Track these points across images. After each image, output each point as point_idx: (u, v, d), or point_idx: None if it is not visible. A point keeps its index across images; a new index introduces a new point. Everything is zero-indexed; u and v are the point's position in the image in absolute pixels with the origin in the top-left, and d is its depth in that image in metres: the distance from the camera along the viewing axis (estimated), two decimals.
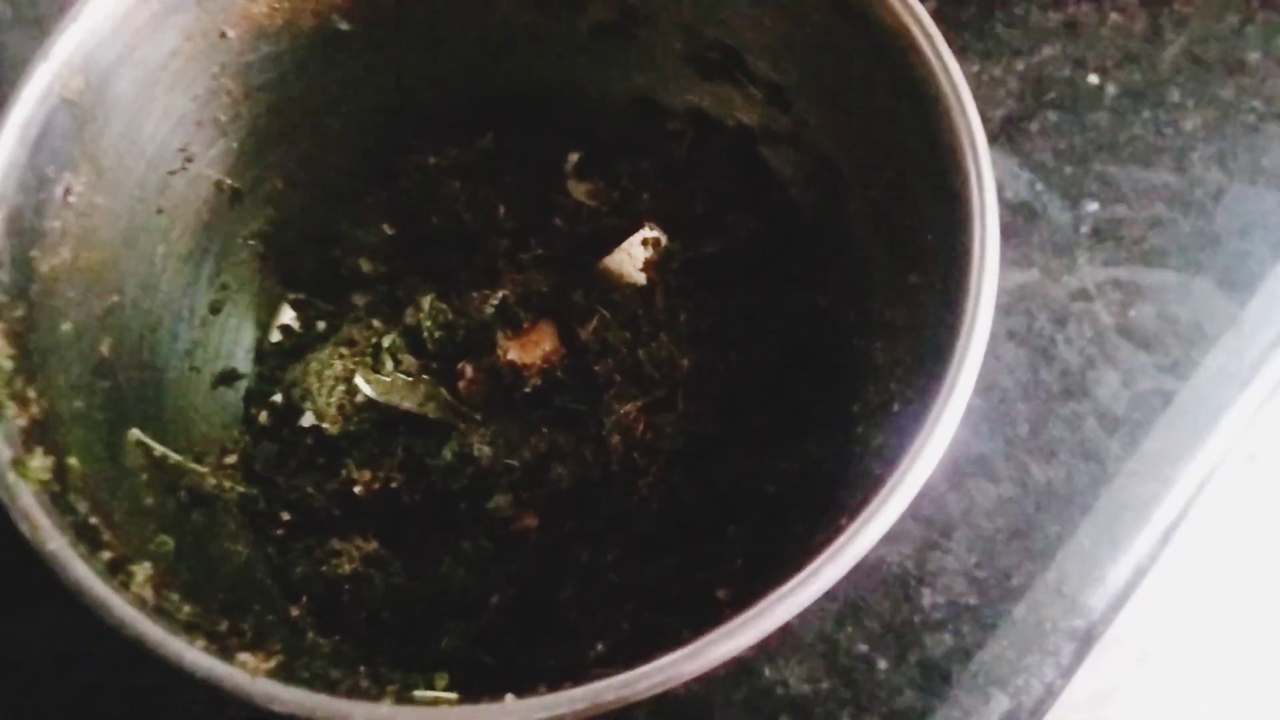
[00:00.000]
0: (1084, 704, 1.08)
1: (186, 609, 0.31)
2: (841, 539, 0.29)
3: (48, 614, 0.50)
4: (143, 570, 0.31)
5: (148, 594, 0.31)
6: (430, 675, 0.34)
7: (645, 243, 0.48)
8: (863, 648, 0.53)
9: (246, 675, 0.28)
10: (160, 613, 0.31)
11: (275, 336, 0.53)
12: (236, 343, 0.51)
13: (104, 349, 0.40)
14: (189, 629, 0.30)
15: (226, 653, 0.30)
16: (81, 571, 0.30)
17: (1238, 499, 1.12)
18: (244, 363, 0.52)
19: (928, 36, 0.35)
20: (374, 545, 0.46)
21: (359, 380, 0.46)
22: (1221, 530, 1.10)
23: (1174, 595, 1.08)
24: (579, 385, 0.46)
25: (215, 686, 0.28)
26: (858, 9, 0.37)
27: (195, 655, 0.29)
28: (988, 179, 0.34)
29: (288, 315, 0.54)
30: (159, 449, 0.40)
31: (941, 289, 0.34)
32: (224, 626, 0.32)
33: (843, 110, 0.42)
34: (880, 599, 0.54)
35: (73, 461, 0.34)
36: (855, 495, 0.33)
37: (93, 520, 0.32)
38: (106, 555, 0.31)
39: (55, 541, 0.30)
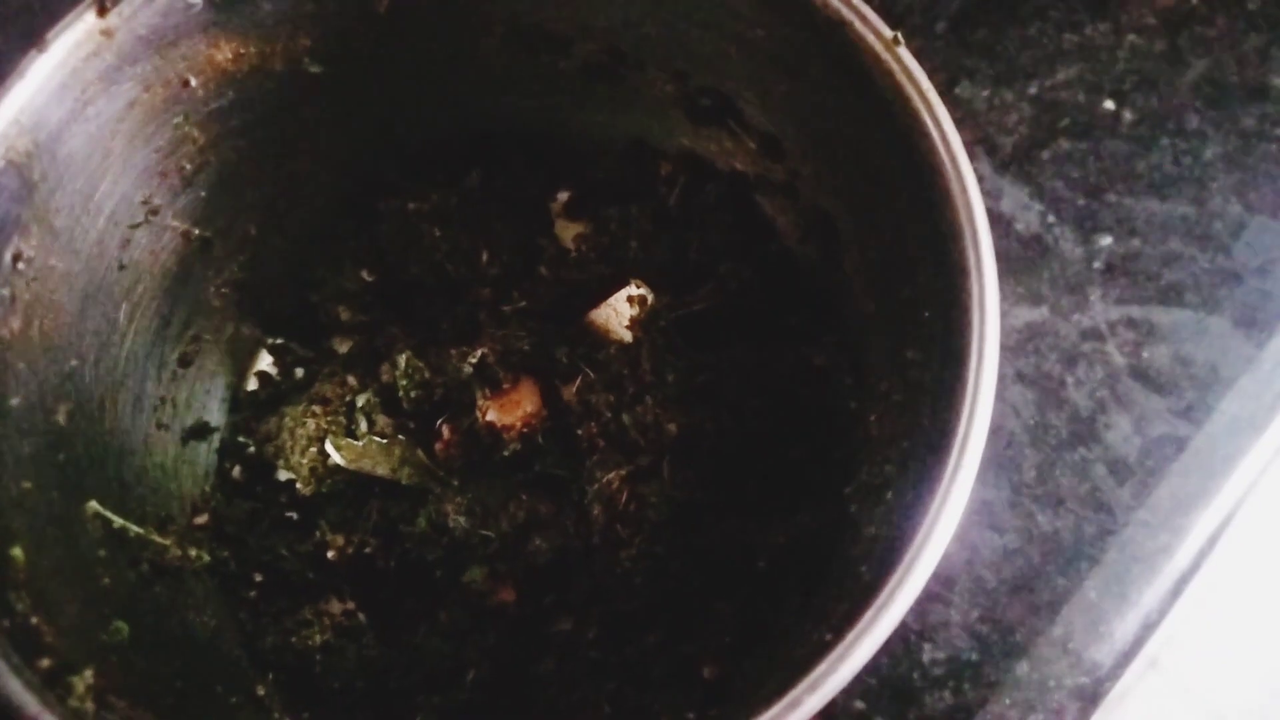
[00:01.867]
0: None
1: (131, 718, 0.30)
2: (823, 665, 0.27)
3: None
4: (84, 680, 0.30)
5: (88, 706, 0.29)
6: None
7: (631, 300, 0.46)
8: (860, 705, 0.52)
9: None
10: None
11: (252, 384, 0.51)
12: (209, 394, 0.49)
13: (60, 418, 0.38)
14: None
15: None
16: (14, 687, 0.28)
17: (1266, 512, 1.10)
18: (217, 415, 0.50)
19: (928, 106, 0.32)
20: (350, 606, 0.45)
21: (329, 447, 0.44)
22: (1242, 541, 1.08)
23: (1186, 600, 1.06)
24: (560, 449, 0.44)
25: None
26: (856, 68, 0.35)
27: None
28: (988, 263, 0.31)
29: (265, 361, 0.52)
30: (119, 521, 0.39)
31: (938, 373, 0.32)
32: None
33: (839, 166, 0.40)
34: (879, 654, 0.52)
35: (16, 553, 0.32)
36: (844, 599, 0.31)
37: (34, 620, 0.31)
38: (45, 663, 0.30)
39: None
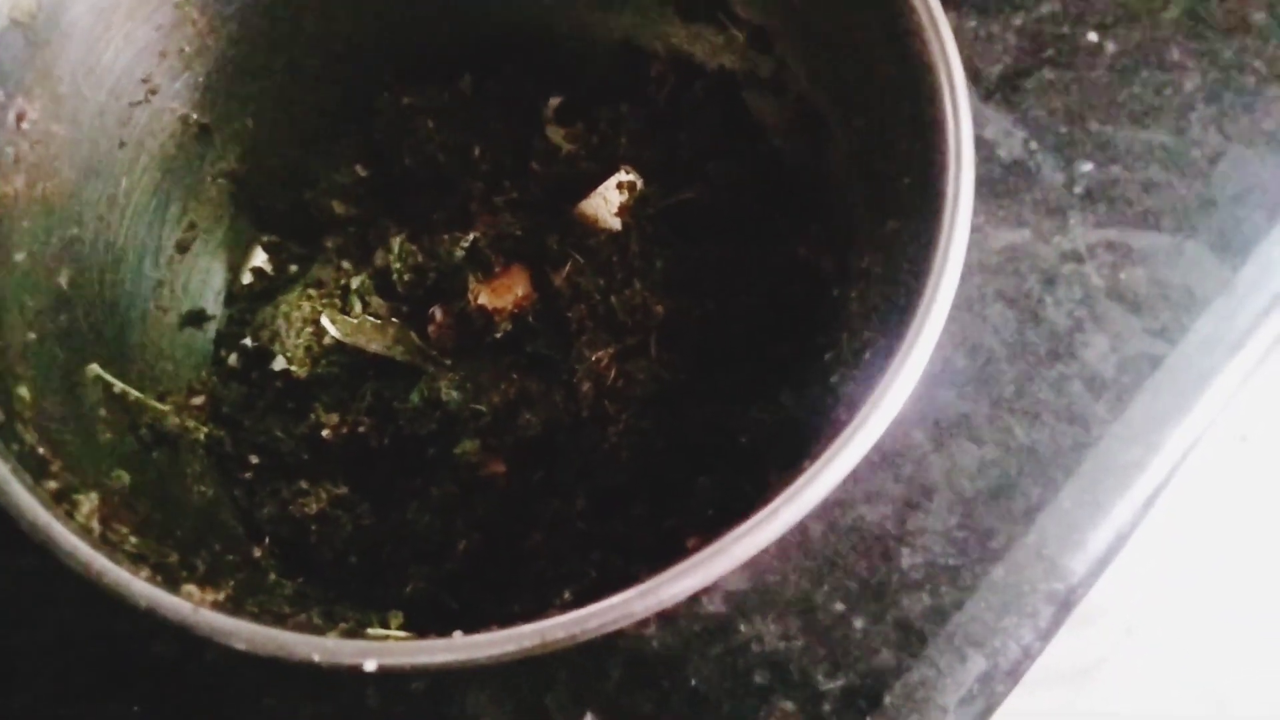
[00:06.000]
0: (1071, 676, 1.09)
1: (134, 540, 0.31)
2: (801, 480, 0.28)
3: (23, 560, 0.50)
4: (89, 501, 0.31)
5: (94, 525, 0.30)
6: (385, 614, 0.33)
7: (621, 186, 0.47)
8: (840, 606, 0.53)
9: (190, 606, 0.27)
10: (106, 543, 0.30)
11: (246, 278, 0.52)
12: (206, 284, 0.50)
13: (62, 281, 0.39)
14: (135, 559, 0.30)
15: (173, 584, 0.29)
16: (23, 498, 0.29)
17: (1229, 478, 1.12)
18: (214, 304, 0.51)
19: None
20: (343, 490, 0.46)
21: (325, 321, 0.45)
22: (1212, 508, 1.10)
23: (1162, 570, 1.08)
24: (550, 331, 0.46)
25: (158, 617, 0.27)
26: None
27: (139, 585, 0.28)
28: (965, 121, 0.33)
29: (260, 257, 0.53)
30: (119, 385, 0.40)
31: (915, 231, 0.33)
32: (174, 559, 0.31)
33: (825, 52, 0.41)
34: (859, 558, 0.54)
35: (22, 391, 0.33)
36: (820, 441, 0.32)
37: (40, 450, 0.32)
38: (52, 485, 0.31)
39: None
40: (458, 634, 0.27)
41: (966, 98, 0.33)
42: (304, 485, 0.44)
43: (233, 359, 0.49)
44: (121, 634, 0.49)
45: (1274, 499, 1.13)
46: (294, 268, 0.52)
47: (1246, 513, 1.12)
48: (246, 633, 0.27)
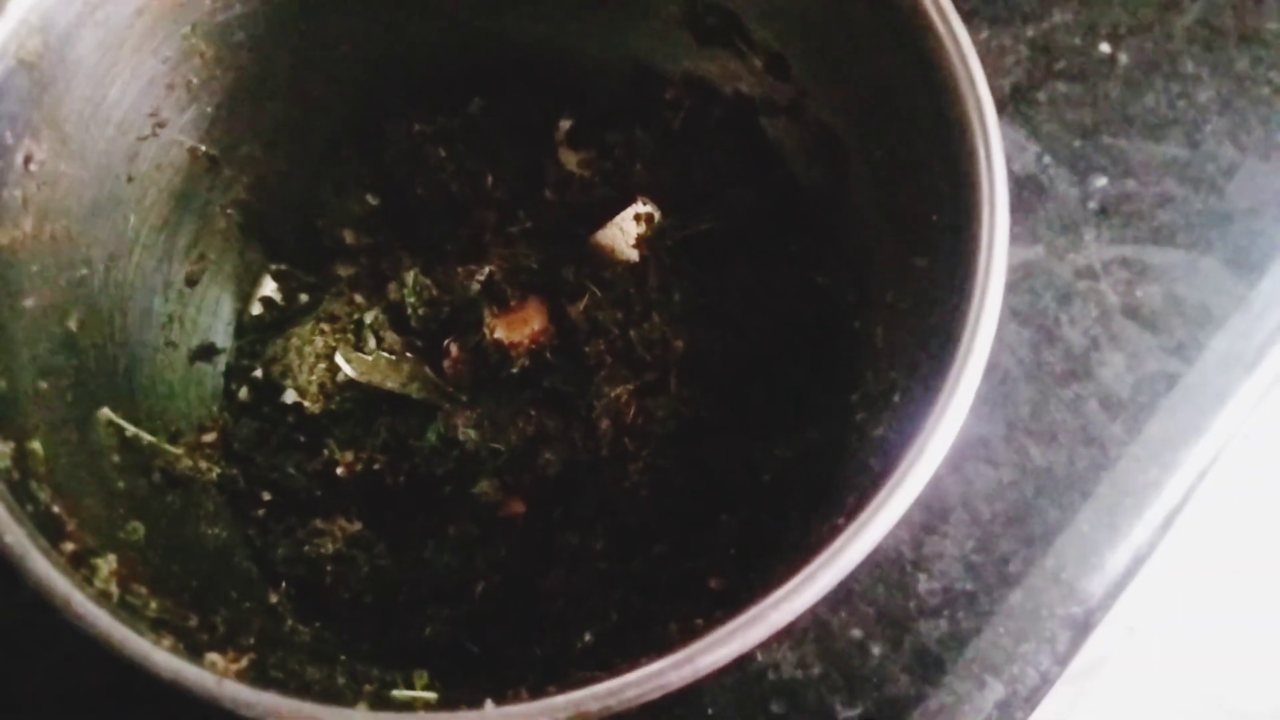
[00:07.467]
0: (1072, 675, 1.08)
1: (154, 604, 0.30)
2: (838, 541, 0.28)
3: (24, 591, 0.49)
4: (108, 564, 0.30)
5: (113, 589, 0.29)
6: (409, 673, 0.33)
7: (638, 218, 0.46)
8: (856, 633, 0.52)
9: (214, 678, 0.27)
10: (126, 608, 0.29)
11: (256, 309, 0.52)
12: (215, 316, 0.49)
13: (72, 324, 0.38)
14: (156, 626, 0.29)
15: (195, 651, 0.29)
16: (42, 567, 0.28)
17: (1230, 475, 1.11)
18: (223, 337, 0.50)
19: (937, 5, 0.33)
20: (357, 527, 0.45)
21: (339, 359, 0.44)
22: (1214, 506, 1.09)
23: (1163, 569, 1.08)
24: (568, 366, 0.45)
25: (181, 690, 0.27)
26: None
27: (161, 656, 0.27)
28: (997, 158, 0.32)
29: (269, 287, 0.52)
30: (131, 429, 0.39)
31: (947, 273, 0.32)
32: (194, 622, 0.30)
33: (846, 80, 0.40)
34: (875, 584, 0.53)
35: (35, 446, 0.33)
36: (854, 490, 0.31)
37: (55, 509, 0.31)
38: (69, 547, 0.30)
39: (13, 534, 0.28)
40: (489, 705, 0.26)
41: (998, 131, 0.33)
42: (319, 524, 0.43)
43: (243, 392, 0.49)
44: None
45: (1276, 496, 1.13)
46: (304, 297, 0.51)
47: (1248, 511, 1.12)
48: (273, 705, 0.26)
